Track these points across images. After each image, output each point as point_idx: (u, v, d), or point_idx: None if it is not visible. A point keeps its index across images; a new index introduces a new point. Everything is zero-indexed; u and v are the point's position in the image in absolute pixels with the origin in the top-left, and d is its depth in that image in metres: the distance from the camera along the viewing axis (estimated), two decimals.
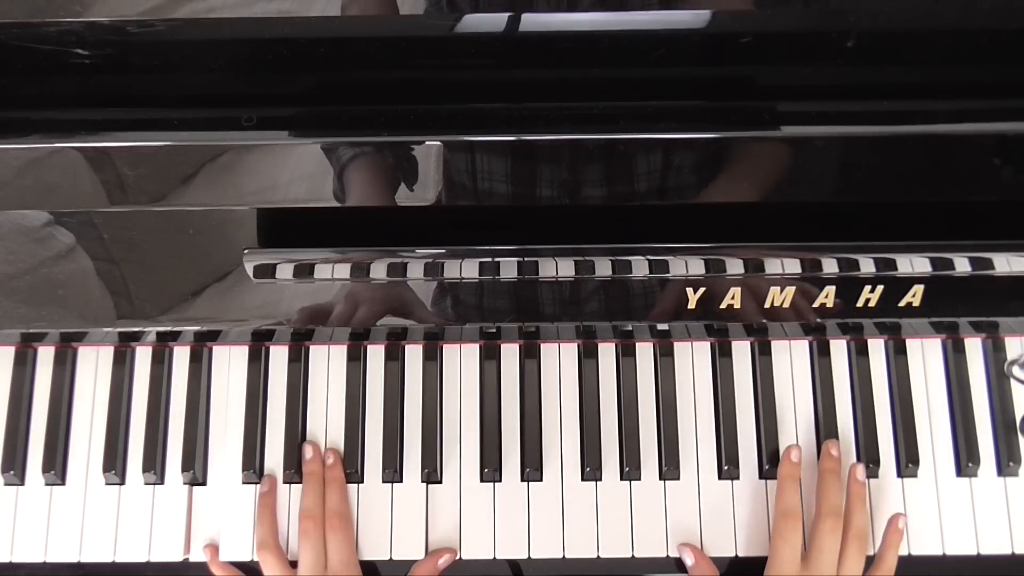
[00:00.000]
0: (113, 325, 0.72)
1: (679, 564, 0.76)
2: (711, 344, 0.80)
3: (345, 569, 0.73)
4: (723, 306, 0.70)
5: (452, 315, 0.72)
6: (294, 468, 0.77)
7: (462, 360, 0.80)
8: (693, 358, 0.79)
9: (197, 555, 0.77)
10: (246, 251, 0.66)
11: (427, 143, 0.60)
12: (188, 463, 0.77)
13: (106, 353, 0.80)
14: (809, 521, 0.75)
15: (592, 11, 0.58)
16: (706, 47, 0.61)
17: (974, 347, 0.80)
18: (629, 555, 0.76)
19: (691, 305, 0.70)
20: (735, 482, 0.77)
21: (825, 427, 0.78)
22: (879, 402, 0.79)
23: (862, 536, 0.74)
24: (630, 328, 0.77)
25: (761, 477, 0.77)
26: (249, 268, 0.66)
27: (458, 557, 0.76)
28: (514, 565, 0.76)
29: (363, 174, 0.63)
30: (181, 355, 0.80)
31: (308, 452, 0.77)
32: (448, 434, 0.78)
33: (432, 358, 0.79)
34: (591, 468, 0.77)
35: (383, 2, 0.59)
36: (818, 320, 0.72)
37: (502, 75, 0.62)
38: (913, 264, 0.66)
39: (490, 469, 0.77)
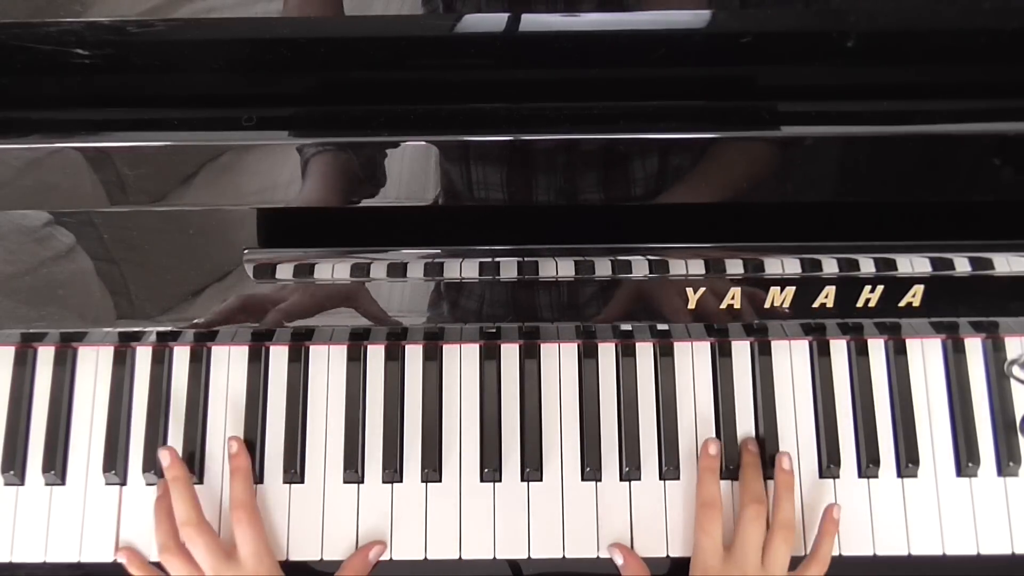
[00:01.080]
0: (113, 325, 0.72)
1: (679, 564, 0.76)
2: (711, 344, 0.80)
3: (257, 563, 0.71)
4: (723, 306, 0.70)
5: (451, 315, 0.72)
6: (294, 468, 0.77)
7: (462, 360, 0.80)
8: (693, 358, 0.79)
9: None
10: (246, 251, 0.66)
11: (427, 143, 0.60)
12: (188, 463, 0.77)
13: (106, 353, 0.80)
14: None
15: (592, 11, 0.58)
16: (706, 47, 0.61)
17: (974, 347, 0.80)
18: None
19: (691, 305, 0.70)
20: (735, 483, 0.77)
21: (825, 427, 0.78)
22: (879, 402, 0.79)
23: (788, 526, 0.73)
24: (630, 328, 0.77)
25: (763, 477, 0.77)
26: (249, 268, 0.66)
27: (388, 550, 0.75)
28: (514, 565, 0.76)
29: (363, 174, 0.63)
30: (181, 355, 0.80)
31: (165, 459, 0.75)
32: (448, 434, 0.78)
33: (432, 358, 0.79)
34: (591, 468, 0.77)
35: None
36: (818, 320, 0.72)
37: (502, 75, 0.62)
38: (913, 264, 0.66)
39: (490, 469, 0.77)
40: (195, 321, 0.71)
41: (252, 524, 0.73)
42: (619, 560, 0.74)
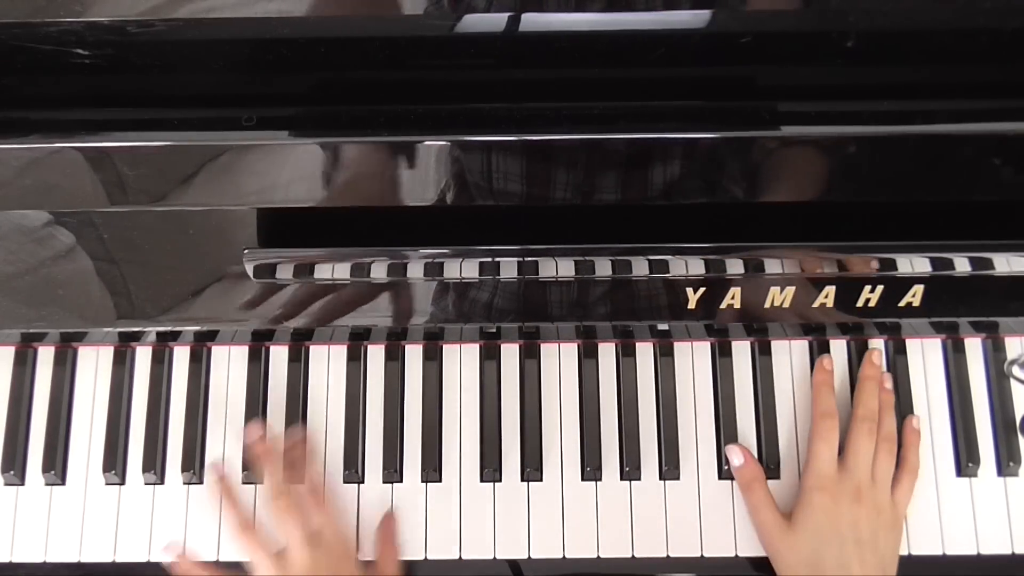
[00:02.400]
0: (113, 325, 0.72)
1: (679, 565, 0.76)
2: (711, 344, 0.80)
3: (338, 541, 0.72)
4: (723, 306, 0.70)
5: (452, 314, 0.72)
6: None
7: (462, 360, 0.80)
8: (693, 358, 0.79)
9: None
10: (246, 251, 0.66)
11: (427, 143, 0.60)
12: (188, 463, 0.77)
13: (106, 353, 0.80)
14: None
15: (592, 11, 0.58)
16: (706, 47, 0.61)
17: (974, 347, 0.80)
18: (629, 555, 0.76)
19: (691, 305, 0.70)
20: (735, 482, 0.77)
21: None
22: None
23: (891, 439, 0.76)
24: (630, 328, 0.77)
25: None
26: (249, 268, 0.66)
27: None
28: (514, 565, 0.76)
29: (363, 174, 0.63)
30: (181, 355, 0.80)
31: (254, 433, 0.76)
32: (448, 434, 0.78)
33: (432, 358, 0.79)
34: (591, 468, 0.77)
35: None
36: (818, 320, 0.72)
37: (502, 75, 0.62)
38: (913, 264, 0.66)
39: (490, 469, 0.77)
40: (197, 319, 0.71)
41: (329, 504, 0.74)
42: (737, 461, 0.76)
